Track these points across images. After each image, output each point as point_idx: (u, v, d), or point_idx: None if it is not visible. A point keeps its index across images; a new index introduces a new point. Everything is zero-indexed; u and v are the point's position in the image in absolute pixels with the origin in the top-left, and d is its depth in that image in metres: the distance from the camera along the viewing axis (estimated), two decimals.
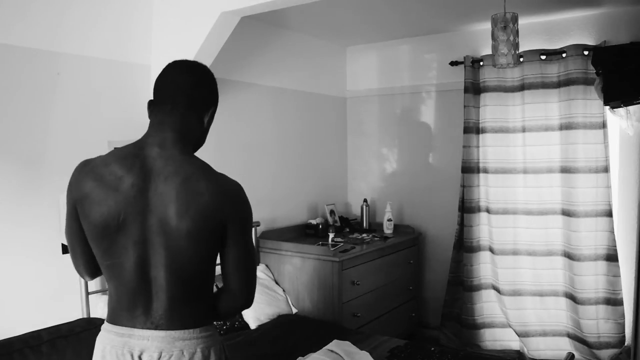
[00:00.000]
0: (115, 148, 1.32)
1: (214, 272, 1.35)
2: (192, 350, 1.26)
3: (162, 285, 1.24)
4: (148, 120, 1.35)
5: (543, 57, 3.33)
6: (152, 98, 1.36)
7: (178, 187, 1.23)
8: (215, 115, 1.43)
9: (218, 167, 1.35)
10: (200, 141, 1.41)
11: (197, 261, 1.26)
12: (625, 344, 3.25)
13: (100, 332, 1.32)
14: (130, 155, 1.26)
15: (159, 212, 1.22)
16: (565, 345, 3.43)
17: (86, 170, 1.27)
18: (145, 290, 1.25)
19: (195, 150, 1.39)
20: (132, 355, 1.25)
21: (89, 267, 1.36)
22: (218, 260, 1.34)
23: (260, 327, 2.89)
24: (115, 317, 1.29)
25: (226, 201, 1.26)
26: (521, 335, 3.51)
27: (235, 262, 1.31)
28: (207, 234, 1.24)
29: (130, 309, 1.26)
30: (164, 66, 1.37)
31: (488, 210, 3.58)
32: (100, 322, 1.89)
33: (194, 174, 1.26)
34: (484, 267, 3.65)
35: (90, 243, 1.29)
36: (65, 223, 1.33)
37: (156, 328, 1.25)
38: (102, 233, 1.23)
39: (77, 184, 1.26)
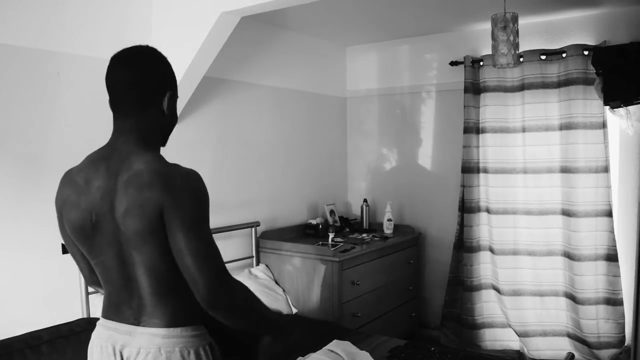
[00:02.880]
0: (91, 153, 1.33)
1: None
2: (169, 349, 1.25)
3: (140, 282, 1.26)
4: None
5: (543, 57, 3.33)
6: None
7: (126, 185, 1.22)
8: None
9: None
10: (168, 129, 1.37)
11: (161, 259, 1.22)
12: (625, 344, 3.25)
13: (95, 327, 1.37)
14: (99, 159, 1.29)
15: (119, 212, 1.23)
16: (565, 345, 3.43)
17: (64, 180, 1.33)
18: (128, 287, 1.28)
19: (166, 139, 1.38)
20: (114, 349, 1.28)
21: (87, 269, 1.41)
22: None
23: None
24: (106, 312, 1.33)
25: (165, 191, 1.19)
26: (521, 335, 3.51)
27: (178, 253, 1.19)
28: (159, 229, 1.19)
29: (117, 304, 1.30)
30: None
31: (488, 210, 3.58)
32: None
33: (141, 169, 1.22)
34: (484, 267, 3.65)
35: (77, 245, 1.35)
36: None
37: (139, 324, 1.27)
38: (81, 235, 1.28)
39: (59, 194, 1.33)
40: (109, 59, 1.33)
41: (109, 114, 1.31)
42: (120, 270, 1.27)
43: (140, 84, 1.29)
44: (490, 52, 3.41)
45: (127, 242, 1.24)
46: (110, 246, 1.26)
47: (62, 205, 1.31)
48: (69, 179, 1.31)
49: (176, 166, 1.26)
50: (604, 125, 3.20)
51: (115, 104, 1.32)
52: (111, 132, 1.34)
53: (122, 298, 1.29)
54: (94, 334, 1.35)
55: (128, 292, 1.28)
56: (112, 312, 1.31)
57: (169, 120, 1.36)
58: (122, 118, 1.31)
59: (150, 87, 1.30)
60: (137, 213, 1.19)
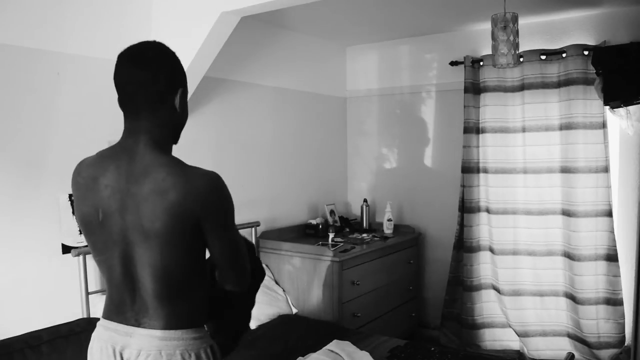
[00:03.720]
0: (103, 149, 1.33)
1: (200, 271, 1.31)
2: (170, 351, 1.24)
3: (144, 283, 1.25)
4: None
5: (543, 57, 3.33)
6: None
7: (146, 187, 1.21)
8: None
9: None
10: (180, 126, 1.35)
11: (174, 262, 1.23)
12: (625, 344, 3.25)
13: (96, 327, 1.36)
14: (109, 157, 1.28)
15: (133, 213, 1.22)
16: (565, 345, 3.43)
17: (75, 171, 1.34)
18: (130, 287, 1.27)
19: (178, 135, 1.36)
20: (114, 350, 1.27)
21: None
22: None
23: (260, 327, 2.89)
24: (107, 312, 1.32)
25: (196, 197, 1.20)
26: (521, 335, 3.51)
27: (226, 257, 1.30)
28: (179, 233, 1.20)
29: (119, 305, 1.29)
30: None
31: (488, 210, 3.58)
32: None
33: (161, 172, 1.21)
34: (484, 267, 3.65)
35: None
36: None
37: (139, 325, 1.26)
38: (87, 230, 1.29)
39: (71, 184, 1.34)
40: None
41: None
42: (123, 271, 1.26)
43: (151, 82, 1.25)
44: (490, 52, 3.41)
45: (136, 243, 1.22)
46: (115, 245, 1.25)
47: (74, 196, 1.33)
48: (78, 171, 1.32)
49: (197, 169, 1.25)
50: (604, 125, 3.20)
51: (124, 103, 1.29)
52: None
53: (124, 298, 1.28)
54: (93, 335, 1.34)
55: (130, 293, 1.27)
56: (113, 312, 1.30)
57: (181, 117, 1.34)
58: (132, 118, 1.28)
59: (162, 85, 1.26)
60: (160, 218, 1.19)
